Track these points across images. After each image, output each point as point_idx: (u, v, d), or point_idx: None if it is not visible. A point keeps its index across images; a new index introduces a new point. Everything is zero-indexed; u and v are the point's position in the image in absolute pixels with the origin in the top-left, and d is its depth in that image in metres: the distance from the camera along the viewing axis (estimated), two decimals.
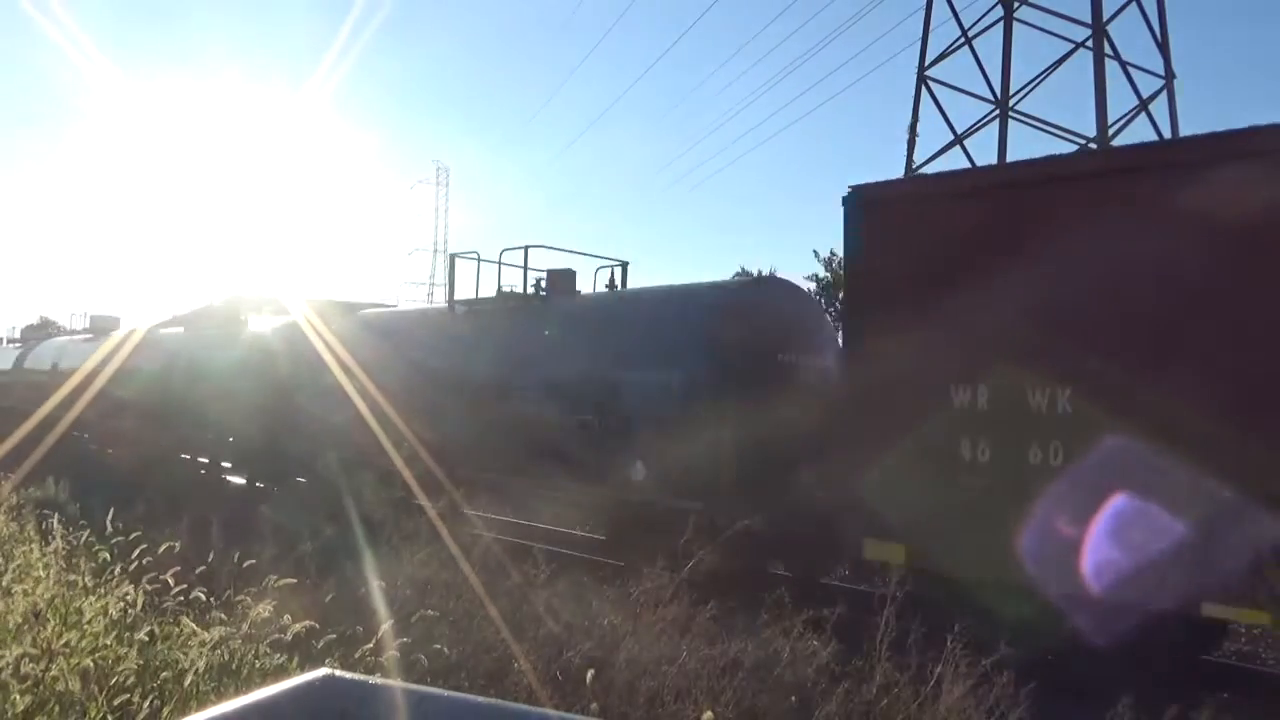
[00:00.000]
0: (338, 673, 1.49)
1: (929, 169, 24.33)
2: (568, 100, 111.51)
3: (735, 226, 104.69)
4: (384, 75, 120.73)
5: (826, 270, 26.82)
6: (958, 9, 23.62)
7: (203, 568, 5.93)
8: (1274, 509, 5.91)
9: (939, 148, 24.06)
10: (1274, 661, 8.06)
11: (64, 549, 6.23)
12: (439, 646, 5.07)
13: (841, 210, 8.38)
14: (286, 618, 4.76)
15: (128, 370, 18.23)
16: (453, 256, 14.31)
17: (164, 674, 4.08)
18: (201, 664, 4.07)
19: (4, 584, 5.35)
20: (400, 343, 13.32)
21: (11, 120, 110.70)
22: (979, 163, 23.88)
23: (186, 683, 3.95)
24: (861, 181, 8.45)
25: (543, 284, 12.09)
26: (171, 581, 5.17)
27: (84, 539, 6.63)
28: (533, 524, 12.48)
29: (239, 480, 17.05)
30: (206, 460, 18.19)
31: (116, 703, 3.79)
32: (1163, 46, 22.14)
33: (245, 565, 5.96)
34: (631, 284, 12.31)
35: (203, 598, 5.23)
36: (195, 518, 8.23)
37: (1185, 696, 5.47)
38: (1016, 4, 23.19)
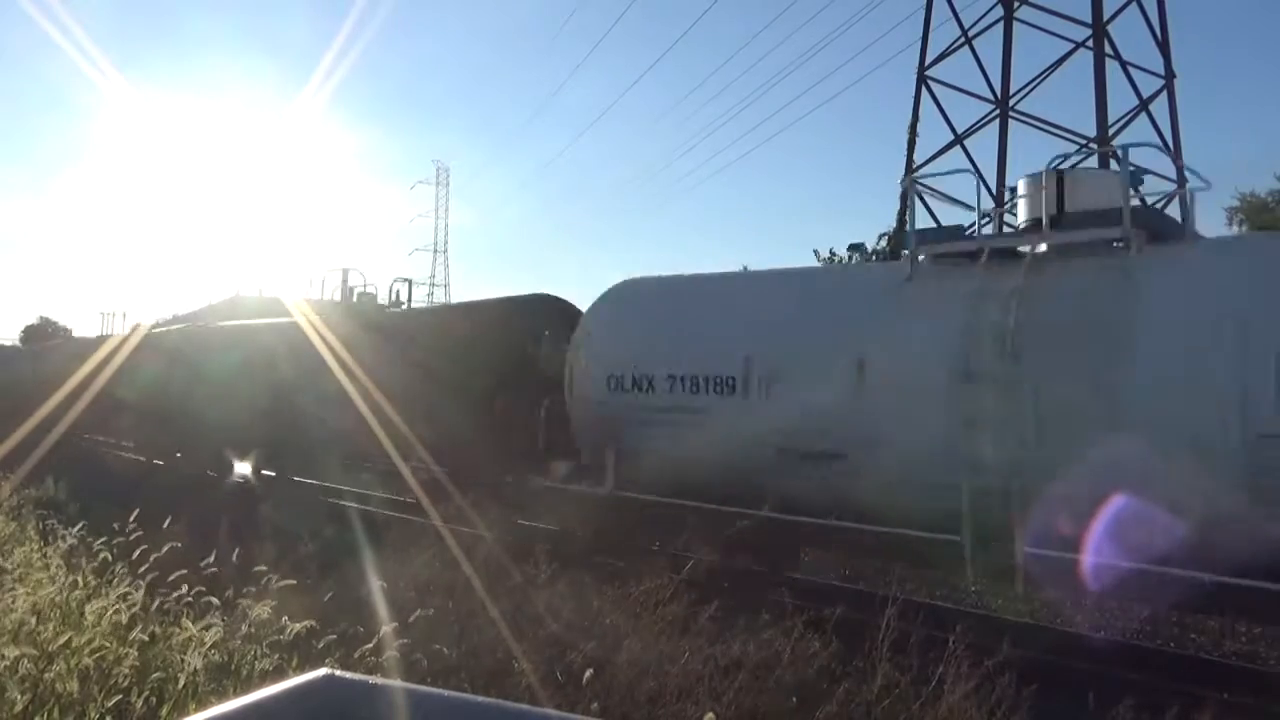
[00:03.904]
0: (338, 673, 1.48)
1: (929, 169, 24.28)
2: (568, 100, 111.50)
3: (735, 226, 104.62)
4: (383, 76, 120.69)
5: None
6: (958, 9, 23.61)
7: (207, 562, 5.89)
8: None
9: (939, 147, 24.04)
10: (1274, 661, 8.04)
11: (64, 548, 6.22)
12: (439, 647, 5.06)
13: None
14: (285, 618, 4.75)
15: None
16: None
17: (157, 674, 4.06)
18: (199, 664, 4.06)
19: (4, 584, 5.34)
20: None
21: (10, 120, 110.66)
22: (979, 163, 23.83)
23: (181, 684, 3.94)
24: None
25: None
26: (181, 588, 5.16)
27: (84, 538, 6.62)
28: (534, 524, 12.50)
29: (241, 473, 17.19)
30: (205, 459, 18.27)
31: (114, 703, 3.77)
32: (1163, 46, 22.12)
33: (246, 565, 5.94)
34: None
35: (203, 597, 5.21)
36: (195, 517, 8.21)
37: (1185, 696, 5.46)
38: (1016, 4, 23.17)
